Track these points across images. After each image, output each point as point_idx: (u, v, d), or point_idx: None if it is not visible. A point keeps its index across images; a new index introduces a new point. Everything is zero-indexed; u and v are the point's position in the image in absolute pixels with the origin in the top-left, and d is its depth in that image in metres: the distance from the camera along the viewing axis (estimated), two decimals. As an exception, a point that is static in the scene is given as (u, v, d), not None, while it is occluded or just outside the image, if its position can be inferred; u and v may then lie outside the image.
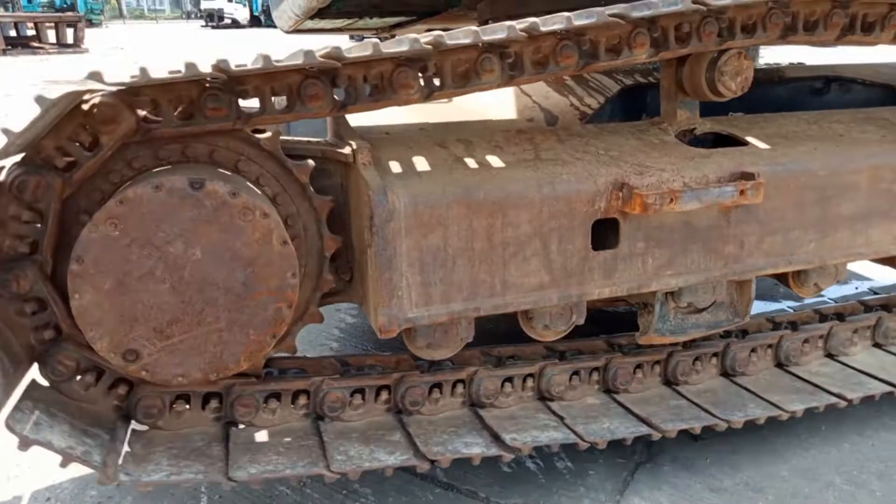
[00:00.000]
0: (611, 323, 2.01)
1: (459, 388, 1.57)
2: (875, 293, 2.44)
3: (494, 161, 1.43)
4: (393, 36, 4.47)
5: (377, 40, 1.23)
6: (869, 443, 1.76)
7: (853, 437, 1.78)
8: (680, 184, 1.45)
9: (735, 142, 1.66)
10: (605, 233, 1.46)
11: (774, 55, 3.08)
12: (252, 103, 1.26)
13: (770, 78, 2.35)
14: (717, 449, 1.71)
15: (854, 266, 2.62)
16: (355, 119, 1.45)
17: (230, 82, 1.22)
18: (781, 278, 1.72)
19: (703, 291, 1.60)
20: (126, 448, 1.30)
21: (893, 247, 1.72)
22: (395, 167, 1.35)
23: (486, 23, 2.87)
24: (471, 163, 1.41)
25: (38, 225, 1.21)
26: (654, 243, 1.48)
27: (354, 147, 1.30)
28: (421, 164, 1.38)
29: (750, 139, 1.64)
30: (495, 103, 1.90)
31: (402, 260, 1.28)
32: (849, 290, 2.67)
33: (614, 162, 1.48)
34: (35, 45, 15.78)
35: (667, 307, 1.59)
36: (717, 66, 1.53)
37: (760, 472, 1.65)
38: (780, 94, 2.38)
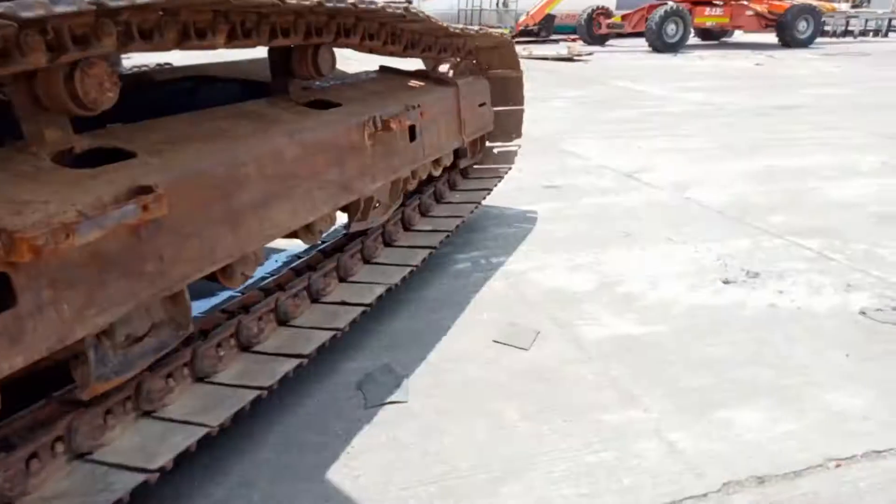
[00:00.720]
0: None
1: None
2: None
3: None
4: None
5: None
6: (324, 390, 2.04)
7: (313, 392, 2.02)
8: (73, 214, 1.28)
9: (123, 156, 1.56)
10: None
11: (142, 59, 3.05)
12: None
13: (141, 82, 2.31)
14: (201, 464, 1.67)
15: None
16: None
17: None
18: (210, 277, 1.75)
19: (138, 318, 1.50)
20: None
21: (293, 221, 1.96)
22: None
23: None
24: None
25: None
26: (64, 286, 1.28)
27: None
28: None
29: (137, 150, 1.58)
30: None
31: None
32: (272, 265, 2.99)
33: (-23, 205, 1.19)
34: None
35: (103, 348, 1.42)
36: (79, 76, 1.39)
37: (247, 464, 1.71)
38: (155, 97, 2.38)
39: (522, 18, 18.47)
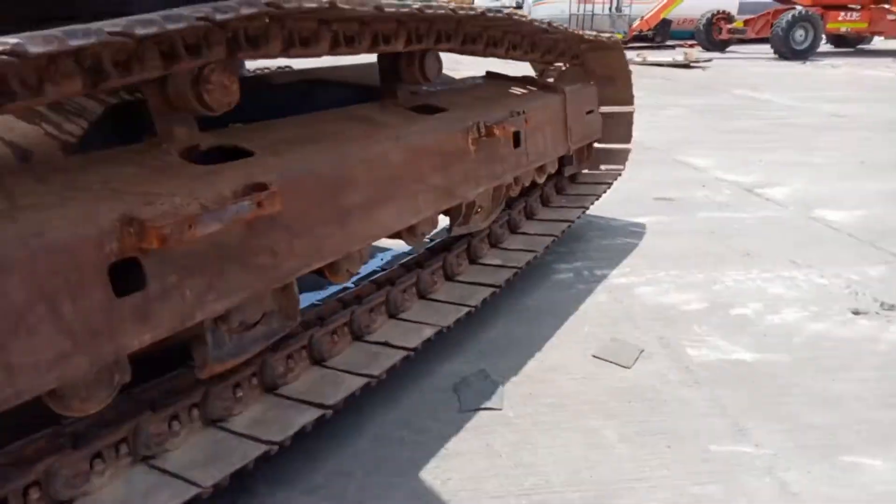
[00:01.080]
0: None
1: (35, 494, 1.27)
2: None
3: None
4: None
5: None
6: (420, 391, 2.05)
7: (409, 391, 2.04)
8: (196, 207, 1.37)
9: (242, 154, 1.65)
10: (128, 275, 1.28)
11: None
12: None
13: (261, 84, 2.44)
14: (303, 449, 1.73)
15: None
16: None
17: None
18: (317, 272, 1.82)
19: (251, 307, 1.57)
20: None
21: (397, 223, 2.00)
22: None
23: None
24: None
25: None
26: (188, 273, 1.37)
27: None
28: None
29: (255, 149, 1.66)
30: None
31: None
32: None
33: (116, 195, 1.29)
34: None
35: (220, 332, 1.51)
36: (202, 80, 1.49)
37: (345, 453, 1.75)
38: (273, 99, 2.51)
39: (636, 23, 17.96)
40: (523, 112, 2.60)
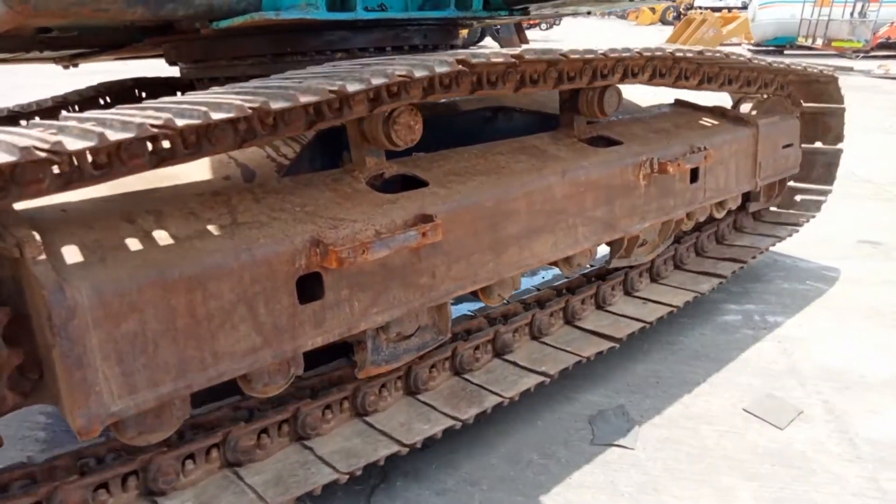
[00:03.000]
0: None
1: (214, 453, 1.64)
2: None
3: (188, 232, 1.43)
4: (76, 65, 4.00)
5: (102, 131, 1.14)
6: (556, 416, 2.15)
7: (545, 415, 2.15)
8: (371, 232, 1.61)
9: (419, 183, 1.87)
10: (310, 285, 1.55)
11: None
12: None
13: (449, 111, 2.67)
14: (440, 452, 1.93)
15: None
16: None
17: None
18: (471, 293, 1.99)
19: (408, 321, 1.80)
20: None
21: (552, 254, 2.10)
22: (74, 254, 1.27)
23: (173, 63, 2.79)
24: (163, 237, 1.39)
25: None
26: (358, 288, 1.61)
27: (20, 238, 1.19)
28: (105, 245, 1.32)
29: (430, 179, 1.87)
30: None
31: (95, 355, 1.22)
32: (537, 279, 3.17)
33: (310, 218, 1.57)
34: None
35: (378, 340, 1.75)
36: (392, 121, 1.72)
37: (476, 464, 1.91)
38: (459, 124, 2.73)
39: (883, 30, 15.72)
40: (704, 148, 2.54)
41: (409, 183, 1.93)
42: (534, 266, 2.08)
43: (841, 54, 15.29)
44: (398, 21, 2.53)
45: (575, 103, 2.36)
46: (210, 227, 1.45)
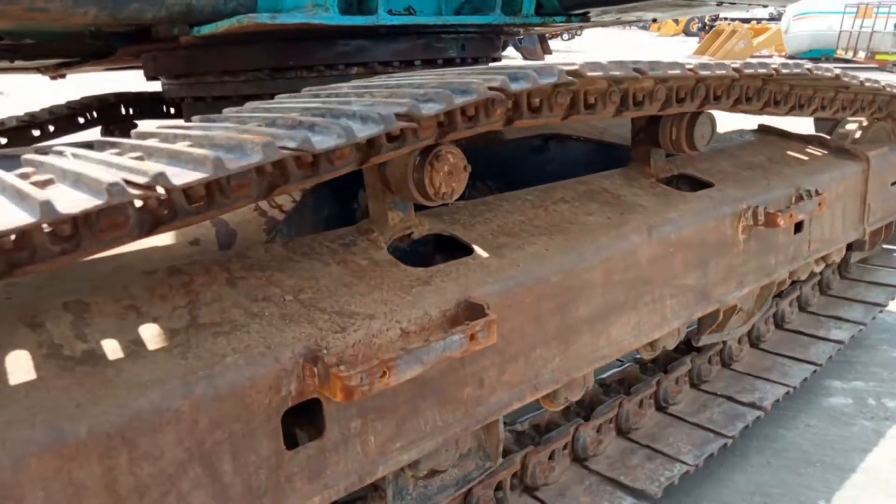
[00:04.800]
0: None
1: None
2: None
3: (117, 345, 0.93)
4: (62, 76, 3.53)
5: None
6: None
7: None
8: (395, 333, 1.10)
9: (459, 248, 1.36)
10: (303, 418, 1.04)
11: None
12: None
13: (491, 140, 2.15)
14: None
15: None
16: None
17: None
18: (529, 398, 1.47)
19: (445, 451, 1.27)
20: None
21: (634, 339, 1.58)
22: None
23: (153, 78, 2.30)
24: (75, 357, 0.89)
25: None
26: (375, 415, 1.10)
27: None
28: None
29: (474, 241, 1.36)
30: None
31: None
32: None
33: (306, 313, 1.06)
34: None
35: (403, 481, 1.23)
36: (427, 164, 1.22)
37: None
38: (502, 154, 2.21)
39: (926, 43, 14.99)
40: (817, 192, 2.00)
41: (445, 243, 1.43)
42: (611, 358, 1.55)
43: (881, 68, 14.61)
44: (430, 28, 2.02)
45: (653, 134, 1.84)
46: (151, 336, 0.95)
